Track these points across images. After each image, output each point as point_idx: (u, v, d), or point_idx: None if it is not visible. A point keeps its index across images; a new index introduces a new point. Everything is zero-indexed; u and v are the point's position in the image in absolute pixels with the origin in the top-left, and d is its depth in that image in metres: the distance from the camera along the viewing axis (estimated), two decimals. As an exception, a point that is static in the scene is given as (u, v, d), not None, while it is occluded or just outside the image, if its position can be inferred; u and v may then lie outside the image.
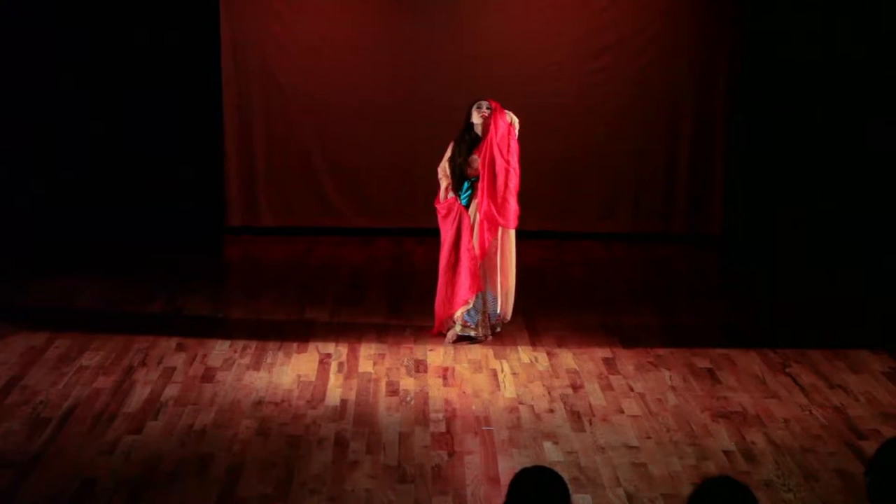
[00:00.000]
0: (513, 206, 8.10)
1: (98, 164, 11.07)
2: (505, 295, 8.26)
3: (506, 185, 8.05)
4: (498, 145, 8.01)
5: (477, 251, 8.11)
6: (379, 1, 11.48)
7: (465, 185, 8.14)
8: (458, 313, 8.20)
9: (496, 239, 8.14)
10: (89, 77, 10.93)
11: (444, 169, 8.21)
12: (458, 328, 8.25)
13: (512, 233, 8.21)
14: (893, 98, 10.81)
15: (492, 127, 8.02)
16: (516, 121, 8.07)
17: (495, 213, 8.07)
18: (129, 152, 11.10)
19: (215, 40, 11.14)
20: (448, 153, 8.20)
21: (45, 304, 9.13)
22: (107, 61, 10.93)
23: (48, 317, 8.71)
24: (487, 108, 8.05)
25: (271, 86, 11.48)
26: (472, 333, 8.25)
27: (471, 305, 8.18)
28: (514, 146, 8.06)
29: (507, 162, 8.04)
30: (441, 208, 8.24)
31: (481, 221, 8.10)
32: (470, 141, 8.12)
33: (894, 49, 10.79)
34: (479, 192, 8.08)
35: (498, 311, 8.26)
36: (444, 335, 8.30)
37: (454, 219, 8.17)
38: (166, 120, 11.03)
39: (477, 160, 8.06)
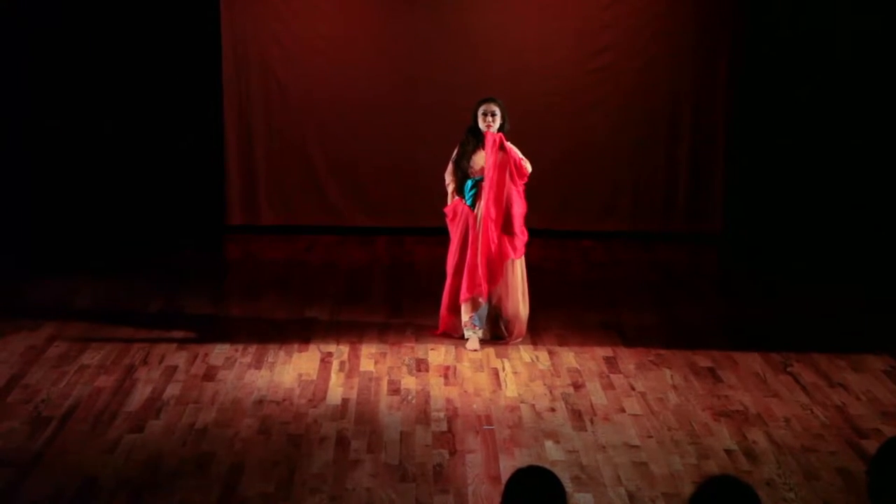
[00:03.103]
0: (523, 238, 8.12)
1: (98, 162, 11.06)
2: (515, 318, 8.19)
3: (521, 222, 8.05)
4: (516, 181, 7.99)
5: (484, 288, 8.06)
6: (379, 0, 11.48)
7: (469, 184, 8.11)
8: (466, 317, 8.17)
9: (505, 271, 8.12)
10: (90, 76, 10.93)
11: (450, 172, 8.19)
12: (467, 332, 8.21)
13: (518, 261, 8.15)
14: (894, 97, 10.81)
15: (502, 157, 7.94)
16: (528, 165, 8.04)
17: (509, 248, 8.02)
18: (130, 151, 11.09)
19: (216, 38, 11.14)
20: (454, 156, 8.19)
21: (46, 303, 9.12)
22: (107, 60, 10.92)
23: (49, 316, 8.71)
24: (492, 116, 7.99)
25: (272, 84, 11.48)
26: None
27: (472, 309, 8.13)
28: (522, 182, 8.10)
29: (523, 199, 8.06)
30: (448, 212, 8.23)
31: (487, 262, 8.01)
32: (475, 142, 8.08)
33: (895, 48, 10.79)
34: (485, 229, 7.99)
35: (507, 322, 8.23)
36: (448, 335, 8.27)
37: (460, 221, 8.14)
38: (167, 118, 11.03)
39: (482, 160, 8.02)
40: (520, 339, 8.23)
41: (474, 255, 8.07)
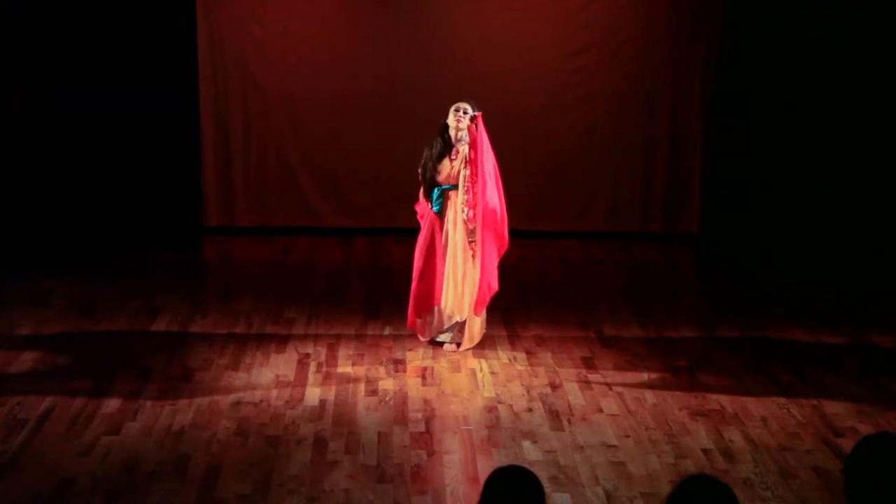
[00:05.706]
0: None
1: (75, 163, 11.01)
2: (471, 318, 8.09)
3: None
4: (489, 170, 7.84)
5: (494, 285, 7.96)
6: (357, 1, 11.47)
7: (436, 192, 7.99)
8: (444, 321, 8.12)
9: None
10: (65, 75, 10.87)
11: (420, 172, 8.13)
12: (441, 337, 8.19)
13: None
14: (871, 98, 10.86)
15: (485, 146, 7.79)
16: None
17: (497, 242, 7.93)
18: (106, 151, 11.04)
19: (192, 39, 11.10)
20: (423, 159, 8.09)
21: (21, 304, 9.07)
22: (83, 59, 10.87)
23: (24, 317, 8.67)
24: (464, 113, 7.90)
25: (249, 85, 11.45)
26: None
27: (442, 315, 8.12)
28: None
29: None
30: (418, 209, 8.20)
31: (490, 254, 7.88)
32: (442, 146, 7.94)
33: (870, 51, 10.84)
34: (485, 228, 7.81)
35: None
36: (417, 334, 8.25)
37: (426, 225, 8.07)
38: (143, 119, 10.98)
39: (447, 167, 7.94)
40: (471, 345, 8.13)
41: (443, 266, 8.02)
